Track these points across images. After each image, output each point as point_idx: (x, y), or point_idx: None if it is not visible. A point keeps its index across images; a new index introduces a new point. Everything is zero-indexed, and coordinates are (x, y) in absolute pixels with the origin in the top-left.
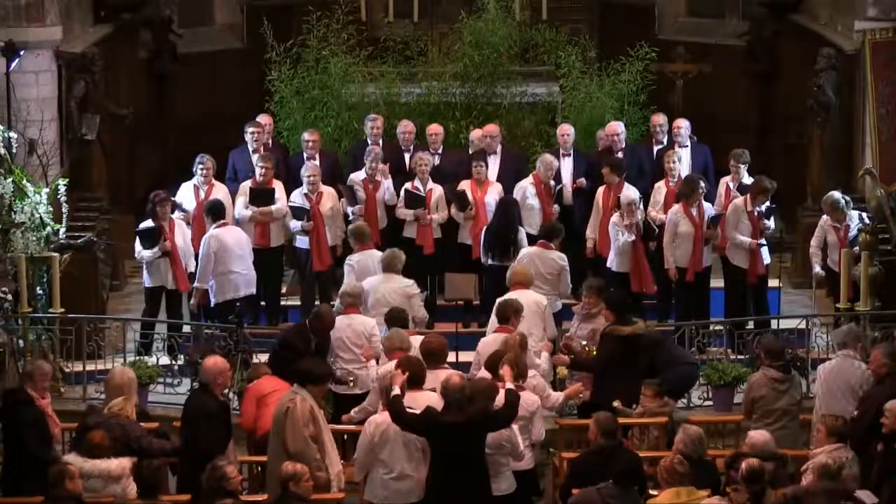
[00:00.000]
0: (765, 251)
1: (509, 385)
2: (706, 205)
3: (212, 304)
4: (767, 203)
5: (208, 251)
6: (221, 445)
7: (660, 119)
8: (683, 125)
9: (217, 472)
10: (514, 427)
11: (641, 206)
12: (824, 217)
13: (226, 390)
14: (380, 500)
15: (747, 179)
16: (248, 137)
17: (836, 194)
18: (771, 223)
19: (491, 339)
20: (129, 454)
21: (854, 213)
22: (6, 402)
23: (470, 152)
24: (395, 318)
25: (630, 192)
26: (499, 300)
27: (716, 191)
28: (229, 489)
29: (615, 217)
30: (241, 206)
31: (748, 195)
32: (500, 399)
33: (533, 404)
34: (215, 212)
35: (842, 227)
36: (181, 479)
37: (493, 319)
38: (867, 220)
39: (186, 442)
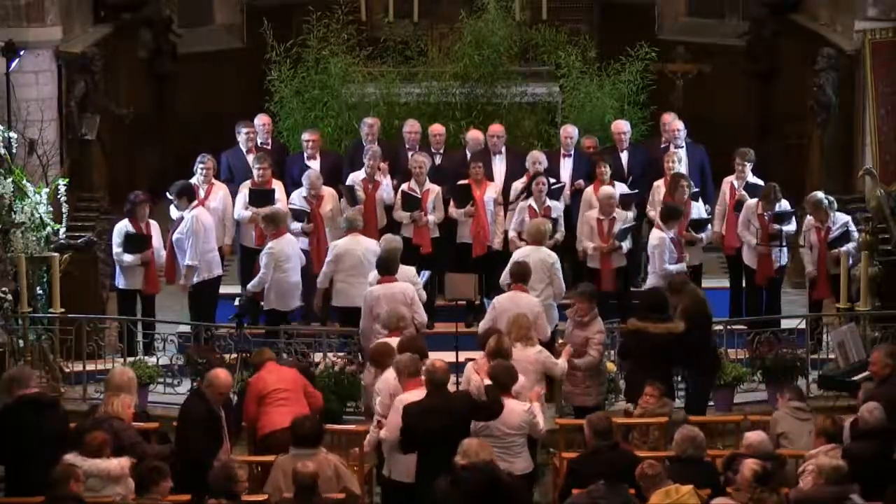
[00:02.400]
0: (783, 253)
1: (487, 381)
2: (696, 205)
3: (193, 283)
4: (787, 207)
5: (197, 229)
6: (209, 452)
7: (668, 118)
8: (681, 127)
9: (227, 472)
10: (535, 405)
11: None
12: (809, 217)
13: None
14: (404, 478)
15: (752, 178)
16: (241, 138)
17: (819, 194)
18: (789, 227)
19: (505, 298)
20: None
21: (840, 216)
22: (30, 407)
23: (467, 152)
24: (390, 261)
25: (611, 189)
26: (514, 260)
27: (718, 190)
28: (235, 491)
29: (594, 213)
30: (240, 207)
31: (760, 199)
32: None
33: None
34: (189, 193)
35: (823, 227)
36: (175, 480)
37: (507, 276)
38: (853, 227)
39: (178, 444)
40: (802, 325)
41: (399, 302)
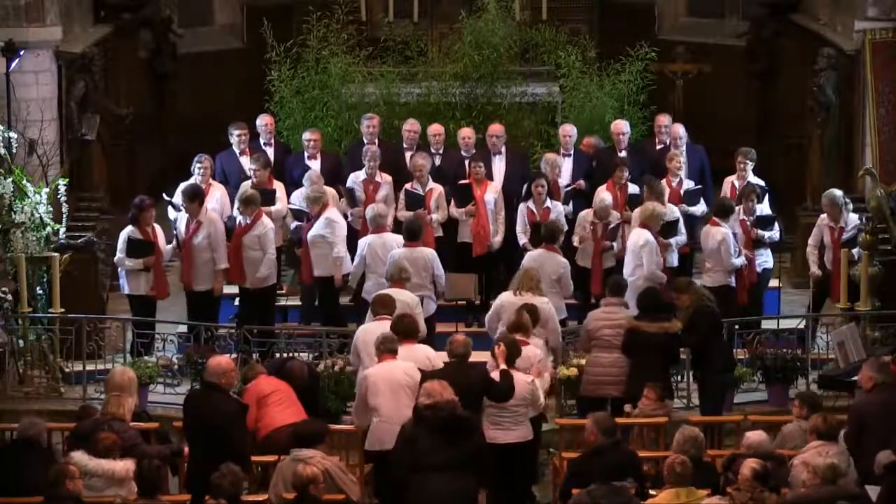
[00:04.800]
0: (767, 255)
1: (502, 366)
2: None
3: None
4: (768, 211)
5: (220, 230)
6: (247, 445)
7: (664, 120)
8: (682, 132)
9: (235, 478)
10: (537, 381)
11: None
12: (822, 216)
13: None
14: (379, 447)
15: (753, 178)
16: (233, 140)
17: (836, 192)
18: (772, 232)
19: (534, 256)
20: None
21: (853, 217)
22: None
23: (463, 152)
24: (415, 228)
25: (606, 196)
26: (551, 220)
27: (718, 191)
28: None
29: (589, 214)
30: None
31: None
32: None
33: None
34: (200, 195)
35: (836, 227)
36: (199, 482)
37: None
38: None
39: (209, 445)
40: (802, 325)
41: (421, 267)
